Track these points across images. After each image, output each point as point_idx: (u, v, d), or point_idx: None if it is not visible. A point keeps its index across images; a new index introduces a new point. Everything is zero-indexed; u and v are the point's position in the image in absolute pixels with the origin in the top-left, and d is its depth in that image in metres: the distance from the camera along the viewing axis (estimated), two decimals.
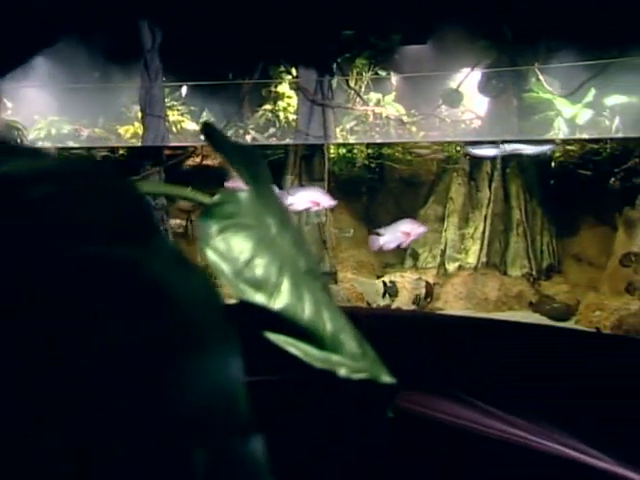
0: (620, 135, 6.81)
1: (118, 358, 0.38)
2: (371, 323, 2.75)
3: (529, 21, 6.53)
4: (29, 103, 7.78)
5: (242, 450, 0.39)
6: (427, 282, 6.96)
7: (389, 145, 7.70)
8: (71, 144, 7.94)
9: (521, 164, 7.17)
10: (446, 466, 1.35)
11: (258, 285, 0.64)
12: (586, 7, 6.10)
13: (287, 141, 7.64)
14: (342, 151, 7.65)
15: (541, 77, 6.93)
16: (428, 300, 6.88)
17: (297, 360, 0.65)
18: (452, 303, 6.88)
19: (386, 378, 0.70)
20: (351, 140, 7.78)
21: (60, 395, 0.36)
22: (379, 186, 7.74)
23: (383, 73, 7.74)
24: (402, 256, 7.47)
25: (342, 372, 0.66)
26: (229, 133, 7.72)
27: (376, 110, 7.70)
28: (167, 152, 7.27)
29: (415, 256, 7.43)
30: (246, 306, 0.63)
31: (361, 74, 7.66)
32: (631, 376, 1.92)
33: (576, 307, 6.52)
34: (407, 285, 6.90)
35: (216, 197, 0.66)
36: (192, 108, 8.14)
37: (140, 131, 7.43)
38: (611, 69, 6.37)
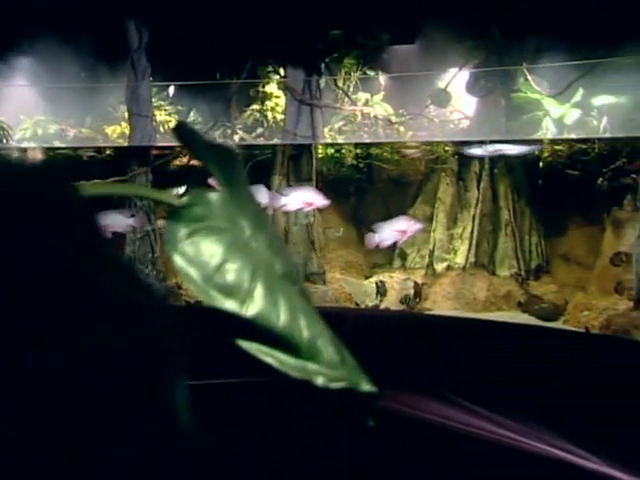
0: (608, 135, 6.82)
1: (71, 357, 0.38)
2: (359, 324, 2.74)
3: (517, 21, 6.54)
4: (15, 102, 7.70)
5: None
6: (415, 282, 6.96)
7: (377, 145, 7.68)
8: (57, 144, 7.89)
9: (509, 164, 7.20)
10: (435, 467, 1.34)
11: (229, 291, 0.61)
12: (574, 7, 6.11)
13: (275, 141, 7.61)
14: (330, 151, 7.63)
15: (529, 77, 6.94)
16: (417, 300, 6.87)
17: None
18: (440, 303, 6.88)
19: (366, 386, 0.67)
20: (339, 140, 7.76)
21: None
22: (367, 186, 7.73)
23: (371, 73, 7.74)
24: (390, 256, 7.47)
25: (319, 381, 0.64)
26: (217, 133, 7.69)
27: (364, 110, 7.69)
28: (154, 152, 7.23)
29: (403, 256, 7.43)
30: (216, 313, 0.60)
31: (349, 74, 7.65)
32: (619, 376, 1.93)
33: (564, 307, 6.55)
34: (395, 285, 6.90)
35: (185, 198, 0.62)
36: (179, 108, 8.10)
37: (127, 131, 7.39)
38: (599, 69, 6.38)
